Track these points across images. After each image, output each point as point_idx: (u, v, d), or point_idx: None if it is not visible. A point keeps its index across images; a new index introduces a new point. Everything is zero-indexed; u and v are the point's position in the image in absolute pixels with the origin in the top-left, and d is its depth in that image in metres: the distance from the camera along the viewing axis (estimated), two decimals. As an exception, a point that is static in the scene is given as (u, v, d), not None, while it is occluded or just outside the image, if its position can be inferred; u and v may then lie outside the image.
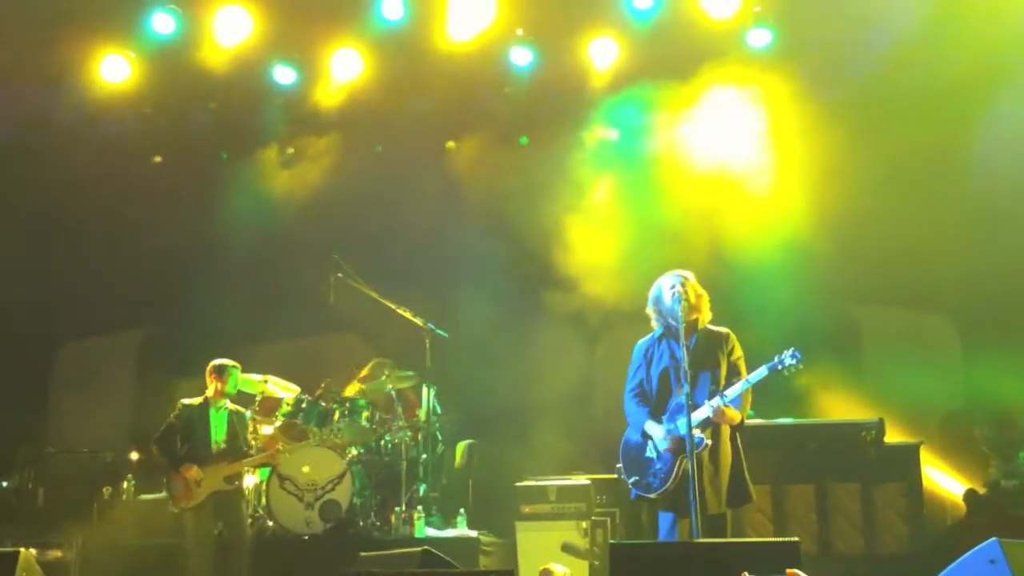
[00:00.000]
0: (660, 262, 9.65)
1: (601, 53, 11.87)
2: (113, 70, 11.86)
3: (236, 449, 9.57)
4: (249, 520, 9.90)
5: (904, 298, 11.04)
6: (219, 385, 9.57)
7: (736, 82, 11.77)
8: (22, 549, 6.67)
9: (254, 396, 10.60)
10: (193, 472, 9.29)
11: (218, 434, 9.55)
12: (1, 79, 11.46)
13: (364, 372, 11.17)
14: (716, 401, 7.35)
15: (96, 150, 12.48)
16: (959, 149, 10.72)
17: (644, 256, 11.47)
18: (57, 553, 9.62)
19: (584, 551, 9.00)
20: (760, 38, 11.48)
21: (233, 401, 9.79)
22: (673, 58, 11.70)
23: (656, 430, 7.52)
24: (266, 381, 10.67)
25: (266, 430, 10.41)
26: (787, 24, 11.32)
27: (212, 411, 9.59)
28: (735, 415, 7.43)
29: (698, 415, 7.33)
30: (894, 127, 11.10)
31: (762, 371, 7.32)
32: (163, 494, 9.64)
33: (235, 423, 9.65)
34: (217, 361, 9.68)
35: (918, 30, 10.82)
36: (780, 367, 7.25)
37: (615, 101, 12.32)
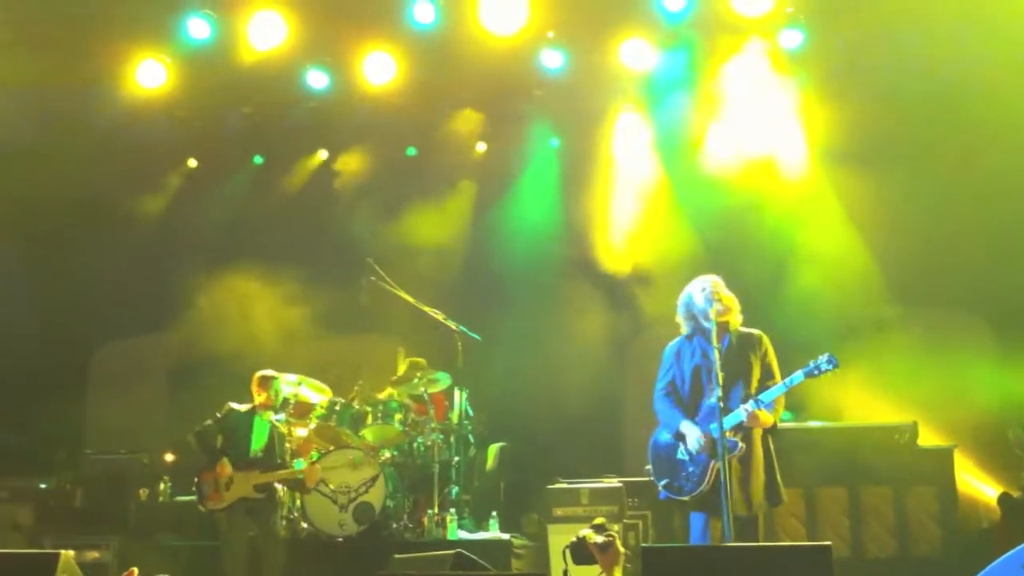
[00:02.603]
0: (693, 264, 9.70)
1: (633, 55, 11.86)
2: (149, 75, 11.90)
3: (271, 460, 9.63)
4: (284, 522, 9.98)
5: (938, 299, 10.95)
6: (265, 396, 9.66)
7: (769, 83, 11.76)
8: (62, 551, 6.72)
9: (288, 399, 10.64)
10: (227, 470, 9.38)
11: (258, 443, 9.61)
12: (38, 82, 11.57)
13: (398, 374, 11.20)
14: (750, 405, 7.34)
15: (131, 153, 12.62)
16: (993, 149, 10.63)
17: (677, 257, 11.52)
18: (94, 554, 9.71)
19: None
20: (792, 39, 11.43)
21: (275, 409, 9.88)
22: (706, 59, 11.68)
23: (692, 430, 7.53)
24: (300, 383, 10.71)
25: (300, 432, 10.45)
26: (819, 25, 11.28)
27: (257, 419, 9.66)
28: (768, 418, 7.43)
29: (731, 419, 7.33)
30: (929, 127, 11.04)
31: (798, 376, 7.31)
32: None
33: (275, 436, 9.70)
34: (261, 373, 9.76)
35: (949, 31, 10.76)
36: (816, 372, 7.25)
37: (647, 101, 12.34)
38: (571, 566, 5.79)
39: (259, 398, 9.67)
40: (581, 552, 5.72)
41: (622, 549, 5.58)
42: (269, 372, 9.77)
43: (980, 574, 5.64)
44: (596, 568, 5.85)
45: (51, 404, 11.87)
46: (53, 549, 6.89)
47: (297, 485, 9.87)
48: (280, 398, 9.81)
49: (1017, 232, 10.73)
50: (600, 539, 5.59)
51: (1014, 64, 10.67)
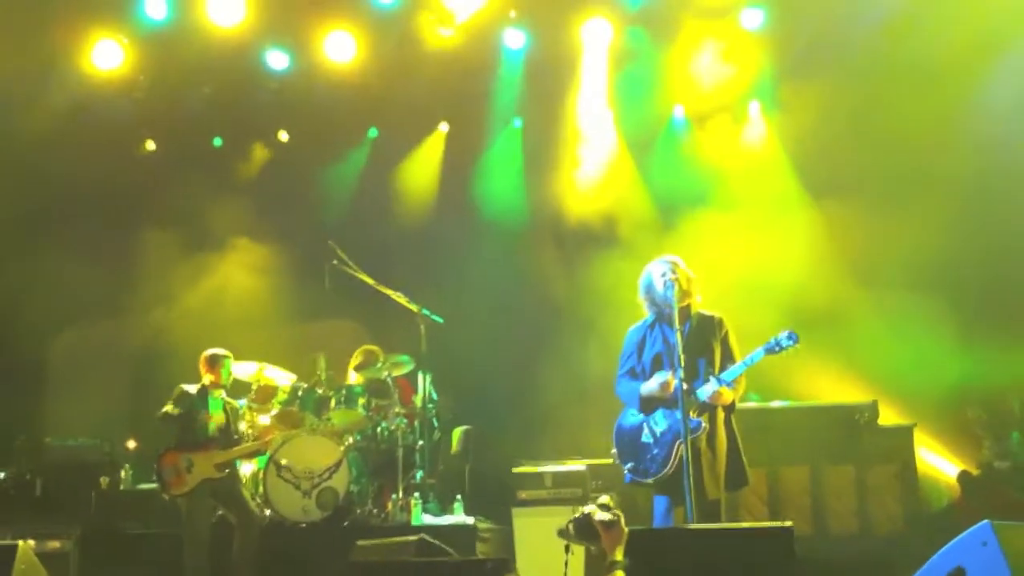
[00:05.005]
0: (657, 243, 9.72)
1: (594, 34, 11.87)
2: (105, 56, 11.80)
3: (228, 438, 9.57)
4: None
5: (898, 279, 11.01)
6: (213, 375, 9.57)
7: (729, 62, 11.78)
8: (20, 542, 6.65)
9: (250, 384, 10.57)
10: (176, 458, 9.29)
11: (212, 422, 9.54)
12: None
13: (355, 361, 11.16)
14: (712, 384, 7.35)
15: (88, 136, 12.43)
16: (952, 126, 10.68)
17: (641, 234, 11.55)
18: (55, 543, 9.56)
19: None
20: (753, 18, 11.47)
21: (228, 390, 9.79)
22: (668, 37, 11.70)
23: (653, 381, 7.51)
24: (262, 369, 10.63)
25: (263, 419, 10.37)
26: (779, 3, 11.31)
27: (210, 399, 9.58)
28: (729, 396, 7.43)
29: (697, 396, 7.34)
30: (886, 105, 11.09)
31: (759, 352, 7.32)
32: (159, 483, 9.62)
33: (229, 413, 9.64)
34: (209, 351, 9.65)
35: (910, 4, 10.79)
36: (777, 349, 7.25)
37: (609, 79, 12.34)
38: (574, 541, 5.81)
39: (207, 377, 9.54)
40: (585, 528, 5.73)
41: (626, 529, 5.58)
42: (218, 351, 9.66)
43: (941, 551, 5.70)
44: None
45: (10, 391, 11.77)
46: (12, 540, 6.77)
47: (258, 455, 9.89)
48: (228, 377, 9.70)
49: (978, 211, 10.80)
50: (606, 517, 5.59)
51: (979, 35, 10.71)
